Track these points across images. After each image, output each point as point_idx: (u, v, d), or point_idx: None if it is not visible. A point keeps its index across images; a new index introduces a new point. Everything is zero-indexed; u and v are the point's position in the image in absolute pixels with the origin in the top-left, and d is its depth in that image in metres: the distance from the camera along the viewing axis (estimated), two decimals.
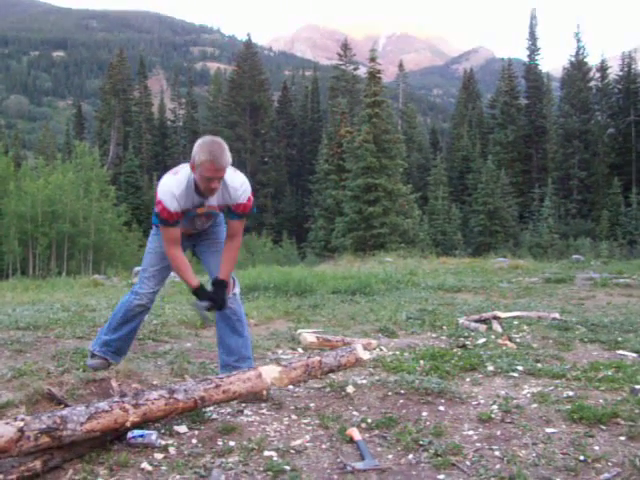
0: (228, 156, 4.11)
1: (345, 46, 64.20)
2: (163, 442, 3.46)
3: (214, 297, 4.32)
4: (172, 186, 4.16)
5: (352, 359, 4.60)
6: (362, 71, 56.94)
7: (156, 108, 76.75)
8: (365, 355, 4.71)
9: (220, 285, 4.38)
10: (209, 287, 4.42)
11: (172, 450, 3.38)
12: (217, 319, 4.69)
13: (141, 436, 3.39)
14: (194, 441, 3.54)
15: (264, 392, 4.16)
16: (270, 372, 4.04)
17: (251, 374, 3.95)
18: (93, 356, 4.77)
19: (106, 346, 4.74)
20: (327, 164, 48.75)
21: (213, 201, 4.33)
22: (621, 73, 55.78)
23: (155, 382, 4.51)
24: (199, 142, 4.11)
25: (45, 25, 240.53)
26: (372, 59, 39.65)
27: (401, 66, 74.91)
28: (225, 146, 4.11)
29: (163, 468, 3.16)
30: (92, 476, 3.03)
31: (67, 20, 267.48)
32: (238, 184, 4.29)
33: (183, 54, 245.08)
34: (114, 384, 4.24)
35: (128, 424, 3.33)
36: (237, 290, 4.69)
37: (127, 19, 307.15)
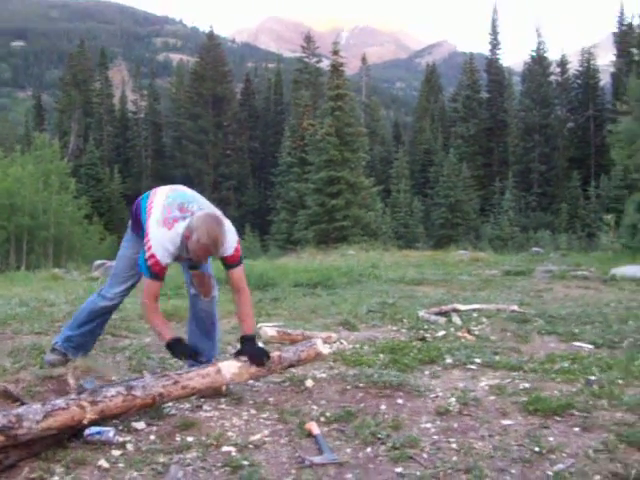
0: (228, 241, 4.13)
1: (308, 39, 64.01)
2: (121, 439, 3.43)
3: (253, 353, 4.21)
4: (167, 242, 4.04)
5: (312, 353, 4.60)
6: (325, 64, 56.82)
7: (117, 99, 75.85)
8: (325, 349, 4.72)
9: (251, 340, 4.32)
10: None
11: (130, 447, 3.36)
12: (190, 321, 4.70)
13: (98, 433, 3.37)
14: (152, 437, 3.52)
15: (223, 387, 4.15)
16: (229, 367, 4.04)
17: (210, 370, 3.94)
18: (53, 350, 4.72)
19: (68, 341, 4.70)
20: (290, 157, 48.71)
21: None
22: (580, 68, 56.61)
23: (113, 378, 4.47)
24: (203, 219, 4.00)
25: (4, 14, 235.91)
26: (335, 52, 39.67)
27: (364, 59, 75.11)
28: (226, 229, 4.09)
29: (120, 465, 3.14)
30: (48, 474, 3.00)
31: (27, 9, 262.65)
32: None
33: (145, 45, 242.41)
34: (71, 381, 4.19)
35: (85, 421, 3.31)
36: (216, 293, 4.68)
37: (88, 9, 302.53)
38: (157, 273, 4.07)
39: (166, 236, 4.03)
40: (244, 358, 4.16)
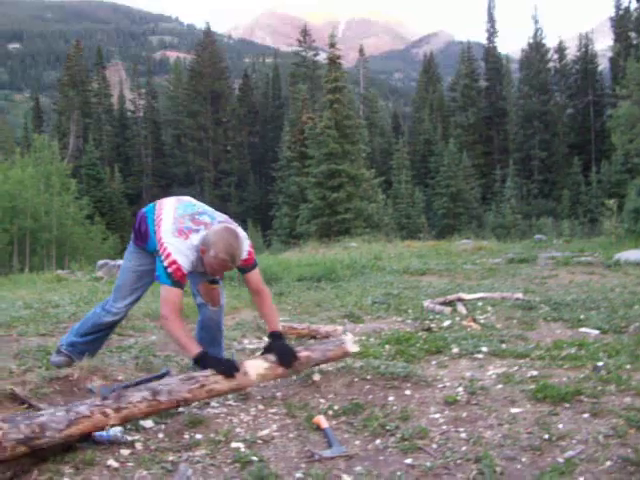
0: (244, 253, 4.10)
1: (305, 32, 63.95)
2: (129, 438, 3.42)
3: (281, 350, 4.14)
4: (186, 250, 3.94)
5: (340, 353, 4.54)
6: (322, 57, 56.79)
7: (115, 99, 75.88)
8: (354, 348, 4.64)
9: (279, 337, 4.27)
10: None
11: (138, 445, 3.35)
12: (198, 329, 4.65)
13: (106, 433, 3.35)
14: (161, 435, 3.51)
15: (248, 388, 4.13)
16: (256, 368, 3.97)
17: (237, 372, 3.88)
18: (59, 352, 4.70)
19: (72, 346, 4.67)
20: (290, 151, 48.65)
21: None
22: (578, 54, 56.54)
23: (120, 377, 4.46)
24: (220, 234, 3.93)
25: None
26: (332, 45, 39.54)
27: (361, 51, 74.81)
28: (242, 242, 4.04)
29: (130, 464, 3.12)
30: (58, 476, 2.98)
31: (22, 11, 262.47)
32: None
33: (141, 44, 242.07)
34: (96, 384, 4.17)
35: (107, 428, 3.29)
36: (223, 302, 4.68)
37: (83, 9, 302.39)
38: (179, 280, 3.93)
39: (184, 245, 3.94)
40: (272, 358, 4.10)
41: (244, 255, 4.14)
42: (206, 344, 4.47)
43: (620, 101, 20.75)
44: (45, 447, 3.03)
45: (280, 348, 4.16)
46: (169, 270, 3.90)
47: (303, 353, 4.27)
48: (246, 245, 4.17)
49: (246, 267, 4.25)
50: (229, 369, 3.85)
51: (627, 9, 53.05)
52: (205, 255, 3.93)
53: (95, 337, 4.67)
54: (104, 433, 3.33)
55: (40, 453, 3.09)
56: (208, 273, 4.15)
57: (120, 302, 4.54)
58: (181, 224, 4.02)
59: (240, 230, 4.13)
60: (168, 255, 3.91)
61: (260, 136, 71.52)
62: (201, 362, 3.89)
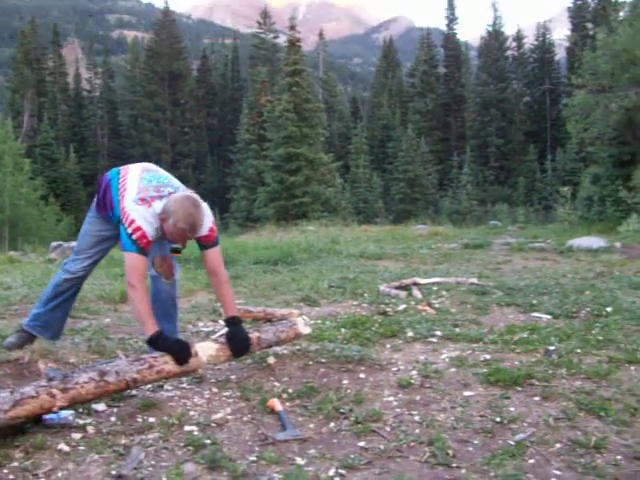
0: (205, 223, 4.03)
1: (265, 14, 63.58)
2: (81, 421, 3.37)
3: (235, 338, 4.09)
4: (149, 217, 3.90)
5: (292, 334, 4.54)
6: (282, 40, 56.52)
7: (71, 78, 74.39)
8: (306, 330, 4.65)
9: (236, 322, 4.19)
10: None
11: (90, 429, 3.30)
12: (152, 302, 4.58)
13: (57, 416, 3.30)
14: (113, 419, 3.47)
15: (199, 370, 4.11)
16: (207, 349, 3.94)
17: None
18: (20, 331, 4.64)
19: (35, 319, 4.61)
20: (248, 134, 48.40)
21: None
22: (536, 43, 57.10)
23: (72, 360, 4.40)
24: (180, 202, 3.88)
25: None
26: (292, 27, 39.36)
27: (321, 35, 74.65)
28: (204, 212, 3.99)
29: (81, 448, 3.08)
30: (7, 460, 2.93)
31: None
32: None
33: (99, 22, 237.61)
34: (41, 366, 4.12)
35: (55, 409, 3.23)
36: (177, 276, 4.64)
37: None
38: (144, 247, 3.91)
39: (147, 212, 3.91)
40: (222, 340, 4.10)
41: (205, 229, 4.09)
42: (159, 319, 4.41)
43: (576, 90, 21.02)
44: None
45: (234, 336, 4.13)
46: (134, 237, 3.87)
47: (254, 334, 4.25)
48: (208, 220, 4.12)
49: (206, 244, 4.19)
50: (183, 353, 3.82)
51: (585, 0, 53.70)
52: (165, 223, 3.90)
53: (57, 303, 4.60)
54: (55, 416, 3.28)
55: None
56: (169, 241, 4.14)
57: (79, 263, 4.52)
58: (145, 193, 3.98)
59: (203, 203, 4.07)
60: (132, 222, 3.88)
61: (218, 118, 71.01)
62: (156, 342, 3.85)
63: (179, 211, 3.84)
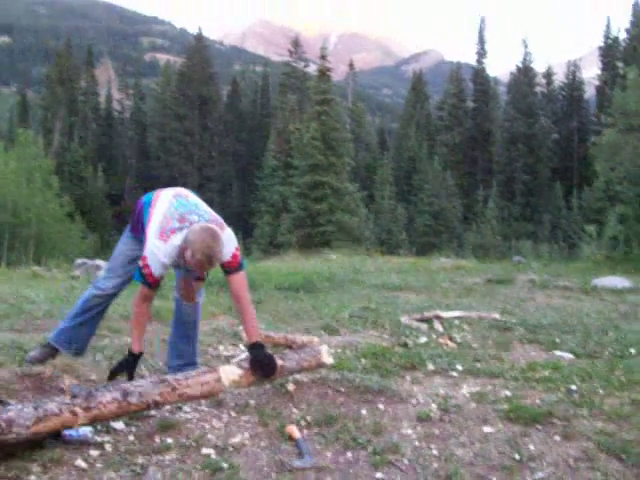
0: (224, 254, 4.05)
1: (296, 43, 64.07)
2: (99, 439, 3.39)
3: (261, 362, 4.12)
4: (161, 255, 4.00)
5: (314, 363, 4.54)
6: (312, 69, 56.94)
7: (103, 98, 75.43)
8: (329, 360, 4.64)
9: (259, 348, 4.19)
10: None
11: (108, 447, 3.32)
12: (173, 324, 4.71)
13: (76, 432, 3.32)
14: (131, 438, 3.48)
15: (220, 394, 4.11)
16: (230, 374, 3.94)
17: (210, 377, 3.83)
18: (43, 346, 4.69)
19: (61, 334, 4.67)
20: (275, 160, 48.65)
21: None
22: (566, 80, 57.04)
23: (93, 377, 4.43)
24: (198, 234, 3.93)
25: None
26: (322, 57, 39.66)
27: (351, 65, 75.05)
28: (223, 242, 4.00)
29: (98, 465, 3.10)
30: (25, 473, 2.95)
31: (13, 5, 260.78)
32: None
33: (132, 44, 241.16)
34: (66, 382, 4.14)
35: (76, 427, 3.25)
36: (201, 300, 4.71)
37: (75, 7, 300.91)
38: (150, 283, 4.06)
39: (161, 249, 4.00)
40: (245, 365, 4.10)
41: (226, 256, 4.12)
42: (177, 339, 4.60)
43: (604, 129, 20.96)
44: (12, 443, 2.99)
45: (260, 359, 4.13)
46: (143, 271, 4.03)
47: (277, 362, 4.23)
48: (231, 247, 4.15)
49: (229, 269, 4.22)
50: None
51: (616, 39, 53.68)
52: (185, 252, 3.96)
53: (84, 319, 4.66)
54: (74, 432, 3.30)
55: (7, 449, 3.05)
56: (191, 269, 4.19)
57: (109, 281, 4.61)
58: (168, 224, 4.06)
59: (225, 231, 4.11)
60: (144, 258, 4.02)
61: (246, 144, 71.41)
62: (127, 360, 4.13)
63: (197, 243, 3.89)
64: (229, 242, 4.14)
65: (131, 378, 4.09)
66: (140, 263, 4.04)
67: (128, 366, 4.12)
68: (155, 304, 7.42)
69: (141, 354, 4.15)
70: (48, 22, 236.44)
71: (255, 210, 53.19)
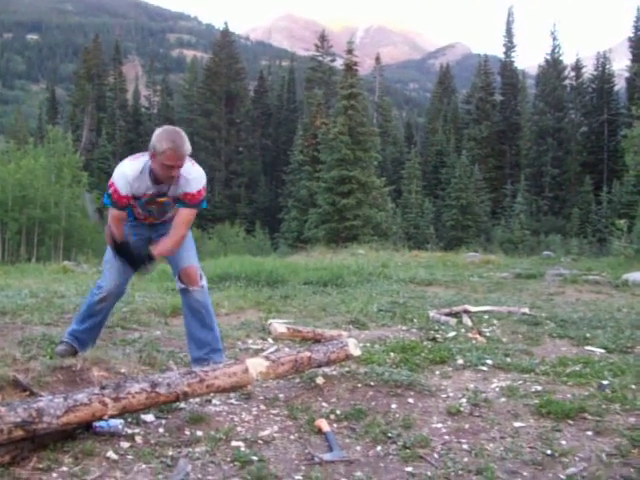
0: (188, 145, 4.17)
1: (322, 37, 64.07)
2: (129, 431, 3.41)
3: (133, 256, 4.39)
4: (126, 170, 4.23)
5: (342, 355, 4.52)
6: (339, 63, 56.86)
7: (131, 94, 76.11)
8: (356, 351, 4.62)
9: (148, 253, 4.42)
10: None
11: (138, 439, 3.34)
12: (185, 315, 4.74)
13: (107, 424, 3.34)
14: (161, 430, 3.50)
15: (248, 386, 4.12)
16: (257, 366, 3.93)
17: (237, 369, 3.82)
18: (62, 342, 4.78)
19: (72, 335, 4.78)
20: (302, 155, 48.69)
21: (170, 192, 4.36)
22: (595, 73, 56.24)
23: (123, 370, 4.45)
24: (159, 131, 4.17)
25: (19, 7, 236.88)
26: (349, 51, 39.62)
27: (378, 59, 74.93)
28: (185, 136, 4.18)
29: (129, 457, 3.12)
30: (56, 464, 2.98)
31: (42, 3, 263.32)
32: (191, 176, 4.33)
33: (159, 41, 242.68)
34: (96, 373, 4.18)
35: (105, 417, 3.27)
36: (204, 283, 4.70)
37: (103, 3, 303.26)
38: (116, 201, 4.25)
39: (127, 166, 4.27)
40: (273, 357, 4.11)
41: (194, 188, 4.33)
42: (196, 329, 4.64)
43: (635, 121, 20.68)
44: (43, 433, 3.02)
45: (136, 254, 4.42)
46: (109, 191, 4.28)
47: (305, 353, 4.25)
48: (200, 184, 4.37)
49: (186, 202, 4.38)
50: (139, 262, 4.38)
51: None
52: (155, 159, 4.14)
53: (91, 324, 4.78)
54: (104, 424, 3.32)
55: (39, 440, 3.08)
56: (161, 180, 4.27)
57: (107, 277, 4.72)
58: (136, 154, 4.45)
59: (195, 165, 4.39)
60: (111, 182, 4.28)
61: (273, 139, 71.57)
62: (117, 249, 4.38)
63: (162, 134, 4.13)
64: (200, 178, 4.37)
65: (132, 258, 4.38)
66: (109, 189, 4.28)
67: (123, 253, 4.37)
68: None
69: (126, 242, 4.39)
70: (76, 19, 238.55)
71: (282, 205, 53.34)
